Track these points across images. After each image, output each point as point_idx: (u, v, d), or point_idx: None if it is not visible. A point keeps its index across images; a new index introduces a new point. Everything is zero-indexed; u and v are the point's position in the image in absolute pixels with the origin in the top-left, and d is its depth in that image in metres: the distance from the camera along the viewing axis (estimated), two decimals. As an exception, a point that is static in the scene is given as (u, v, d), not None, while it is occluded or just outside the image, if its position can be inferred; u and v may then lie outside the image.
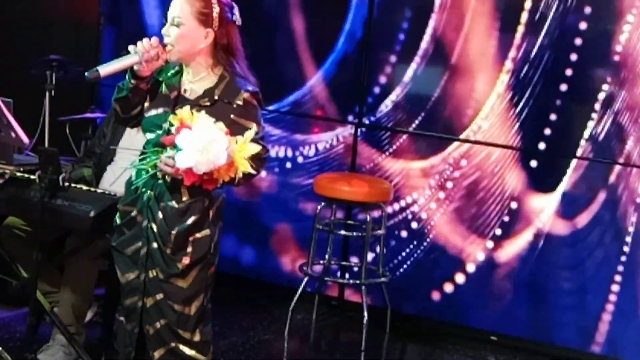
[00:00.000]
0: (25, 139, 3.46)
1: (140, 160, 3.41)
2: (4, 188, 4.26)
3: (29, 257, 4.21)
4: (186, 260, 3.40)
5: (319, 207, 5.08)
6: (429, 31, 5.39)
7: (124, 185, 4.39)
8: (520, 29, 5.17)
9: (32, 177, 4.22)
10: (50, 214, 4.07)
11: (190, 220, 3.40)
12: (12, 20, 6.04)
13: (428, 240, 5.48)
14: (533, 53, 5.16)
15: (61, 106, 5.66)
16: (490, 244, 5.32)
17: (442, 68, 5.40)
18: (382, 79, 5.56)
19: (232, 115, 3.36)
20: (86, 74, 3.26)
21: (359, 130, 5.65)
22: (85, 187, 4.37)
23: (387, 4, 5.51)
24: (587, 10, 5.02)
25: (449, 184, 5.42)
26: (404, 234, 5.54)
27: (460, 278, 5.42)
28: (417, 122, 5.46)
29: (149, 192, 3.43)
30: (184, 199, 3.40)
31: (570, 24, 5.06)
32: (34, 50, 5.86)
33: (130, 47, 3.33)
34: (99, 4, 6.19)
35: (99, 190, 4.39)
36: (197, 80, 3.45)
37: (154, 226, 3.41)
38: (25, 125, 4.31)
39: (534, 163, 5.21)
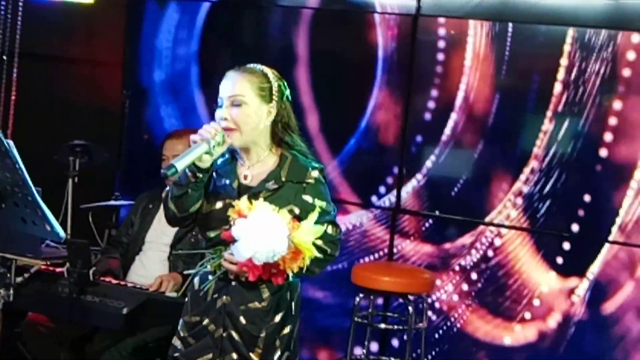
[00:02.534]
0: (61, 232, 3.23)
1: (202, 264, 3.15)
2: (30, 283, 4.05)
3: (54, 356, 3.96)
4: None
5: (357, 299, 4.84)
6: (454, 114, 5.23)
7: (153, 278, 4.23)
8: (552, 107, 5.00)
9: (58, 270, 4.04)
10: (80, 311, 3.90)
11: (277, 318, 3.14)
12: (35, 105, 5.95)
13: (456, 325, 5.24)
14: (564, 132, 4.99)
15: (83, 193, 5.45)
16: (518, 327, 5.10)
17: (469, 149, 5.23)
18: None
19: (303, 196, 3.12)
20: (163, 171, 3.00)
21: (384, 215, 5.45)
22: (114, 281, 4.15)
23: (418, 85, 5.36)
24: (621, 89, 4.86)
25: (477, 267, 5.20)
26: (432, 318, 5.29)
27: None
28: (442, 205, 5.28)
29: (223, 297, 3.15)
30: (265, 296, 3.13)
31: (604, 103, 4.89)
32: (57, 135, 5.71)
33: (195, 137, 3.06)
34: (122, 86, 6.05)
35: (129, 284, 4.16)
36: (256, 163, 3.19)
37: (235, 334, 3.13)
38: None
39: (565, 246, 5.00)
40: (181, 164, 3.02)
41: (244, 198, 3.03)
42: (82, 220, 5.42)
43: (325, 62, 5.57)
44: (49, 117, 5.98)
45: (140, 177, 5.79)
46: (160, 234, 4.49)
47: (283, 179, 3.13)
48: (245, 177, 3.18)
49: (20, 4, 5.88)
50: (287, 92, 3.21)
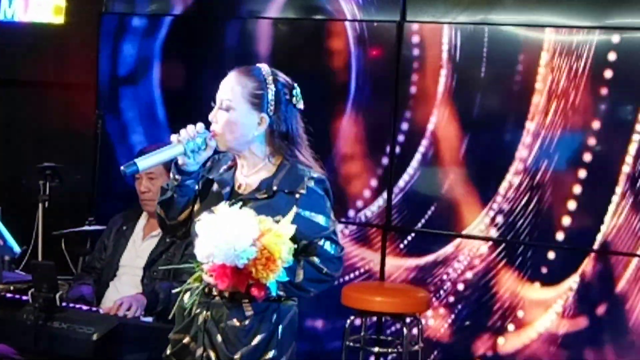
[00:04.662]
0: (15, 247, 2.97)
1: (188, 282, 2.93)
2: (-9, 311, 3.77)
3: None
4: None
5: (348, 321, 4.63)
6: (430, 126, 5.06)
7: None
8: (533, 109, 4.84)
9: (24, 297, 3.77)
10: (46, 338, 3.63)
11: (255, 340, 2.85)
12: (4, 131, 5.87)
13: (442, 342, 5.06)
14: (547, 143, 4.84)
15: (56, 219, 5.21)
16: (501, 340, 4.94)
17: (446, 163, 5.04)
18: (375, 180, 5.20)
19: (295, 208, 2.85)
20: (122, 168, 2.82)
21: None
22: (85, 307, 3.89)
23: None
24: (604, 91, 4.71)
25: (460, 282, 5.03)
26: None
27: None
28: (423, 220, 5.09)
29: (204, 313, 2.90)
30: (247, 314, 2.86)
31: (588, 106, 4.75)
32: (29, 161, 5.55)
33: (173, 137, 2.88)
34: (95, 107, 5.79)
35: (101, 310, 3.87)
36: (253, 173, 2.96)
37: (212, 354, 2.87)
38: (16, 240, 3.91)
39: (548, 257, 4.86)
40: (144, 163, 2.82)
41: (223, 204, 2.81)
42: (54, 247, 5.22)
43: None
44: (20, 143, 5.85)
45: (116, 200, 5.53)
46: (135, 257, 4.23)
47: (274, 188, 2.89)
48: (240, 186, 2.96)
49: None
50: (294, 100, 2.97)
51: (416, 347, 4.64)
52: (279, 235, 2.70)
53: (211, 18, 5.59)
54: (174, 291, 3.00)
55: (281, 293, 2.82)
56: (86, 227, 5.22)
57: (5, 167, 5.60)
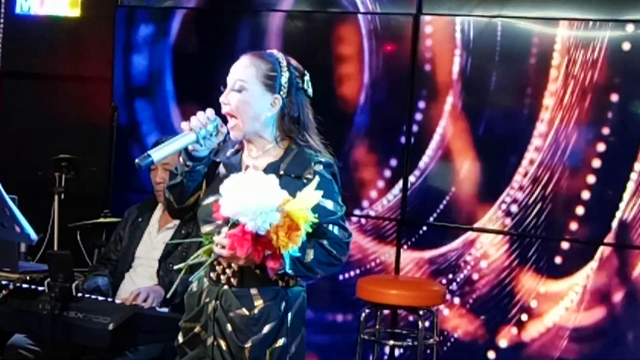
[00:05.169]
0: (32, 234, 2.97)
1: (195, 256, 2.90)
2: (8, 301, 3.79)
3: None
4: None
5: (363, 314, 4.59)
6: (445, 114, 5.01)
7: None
8: (546, 102, 4.81)
9: (40, 287, 3.79)
10: (62, 328, 3.63)
11: (266, 329, 2.86)
12: (21, 124, 5.89)
13: (453, 336, 5.04)
14: (560, 136, 4.82)
15: (72, 210, 5.21)
16: (515, 332, 4.93)
17: (459, 156, 5.01)
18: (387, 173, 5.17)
19: (315, 178, 2.83)
20: (137, 161, 2.80)
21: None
22: (101, 298, 3.88)
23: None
24: (617, 85, 4.70)
25: (473, 273, 5.00)
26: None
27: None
28: (435, 213, 5.06)
29: (213, 302, 2.90)
30: (257, 303, 2.86)
31: (602, 100, 4.71)
32: (46, 154, 5.55)
33: (184, 124, 2.88)
34: (111, 99, 5.79)
35: (117, 301, 3.88)
36: (261, 155, 2.96)
37: (222, 343, 2.88)
38: (33, 231, 3.89)
39: (560, 249, 4.84)
40: (159, 154, 2.80)
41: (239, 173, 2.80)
42: (70, 238, 5.23)
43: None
44: (36, 135, 5.84)
45: (131, 192, 5.55)
46: (150, 249, 4.23)
47: (281, 173, 2.88)
48: (247, 168, 2.95)
49: (2, 20, 5.68)
50: (305, 86, 2.98)
51: (431, 340, 4.62)
52: (303, 201, 2.68)
53: (224, 10, 5.59)
54: (180, 265, 2.97)
55: (290, 272, 2.79)
56: (102, 219, 5.23)
57: (22, 158, 5.62)
